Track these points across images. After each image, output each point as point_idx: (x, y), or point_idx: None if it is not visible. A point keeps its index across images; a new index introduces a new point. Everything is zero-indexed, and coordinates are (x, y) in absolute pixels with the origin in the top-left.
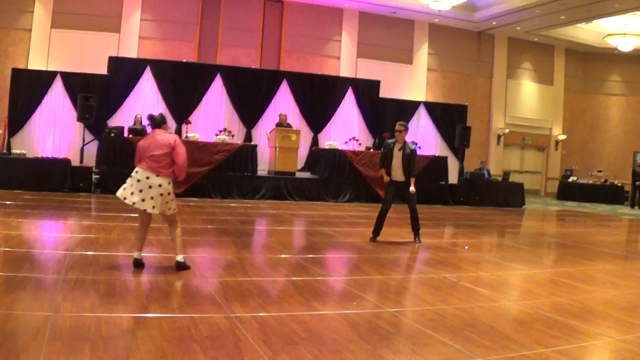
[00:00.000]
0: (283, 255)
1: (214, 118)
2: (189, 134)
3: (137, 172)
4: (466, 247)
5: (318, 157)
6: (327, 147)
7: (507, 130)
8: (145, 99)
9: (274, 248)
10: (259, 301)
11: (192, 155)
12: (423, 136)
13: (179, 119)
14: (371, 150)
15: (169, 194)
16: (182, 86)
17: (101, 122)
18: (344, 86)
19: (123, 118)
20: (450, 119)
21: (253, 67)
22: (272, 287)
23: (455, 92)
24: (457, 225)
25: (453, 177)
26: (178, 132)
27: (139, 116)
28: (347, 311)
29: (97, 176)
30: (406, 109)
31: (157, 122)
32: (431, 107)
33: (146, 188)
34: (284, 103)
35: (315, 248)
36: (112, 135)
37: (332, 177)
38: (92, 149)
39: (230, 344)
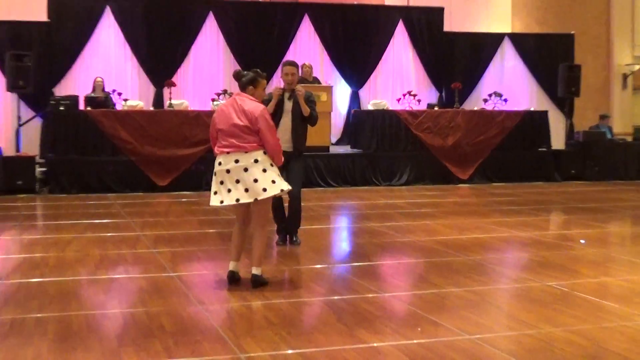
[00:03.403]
0: (316, 266)
1: (208, 77)
2: (173, 101)
3: (219, 163)
4: (582, 242)
5: (361, 123)
6: (372, 108)
7: (636, 67)
8: (107, 55)
9: (302, 256)
10: (281, 333)
11: (180, 132)
12: (510, 83)
13: (158, 80)
14: (435, 108)
15: (271, 165)
16: (160, 33)
17: (44, 90)
18: (393, 19)
19: (76, 84)
20: (550, 57)
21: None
22: (299, 312)
23: (556, 16)
24: (568, 209)
25: (558, 141)
26: (158, 97)
27: (99, 79)
28: (409, 341)
29: (43, 169)
30: (484, 45)
31: (242, 83)
32: (520, 41)
33: (242, 173)
34: (307, 49)
35: (362, 253)
36: (62, 108)
37: (382, 150)
38: (34, 130)
39: None
